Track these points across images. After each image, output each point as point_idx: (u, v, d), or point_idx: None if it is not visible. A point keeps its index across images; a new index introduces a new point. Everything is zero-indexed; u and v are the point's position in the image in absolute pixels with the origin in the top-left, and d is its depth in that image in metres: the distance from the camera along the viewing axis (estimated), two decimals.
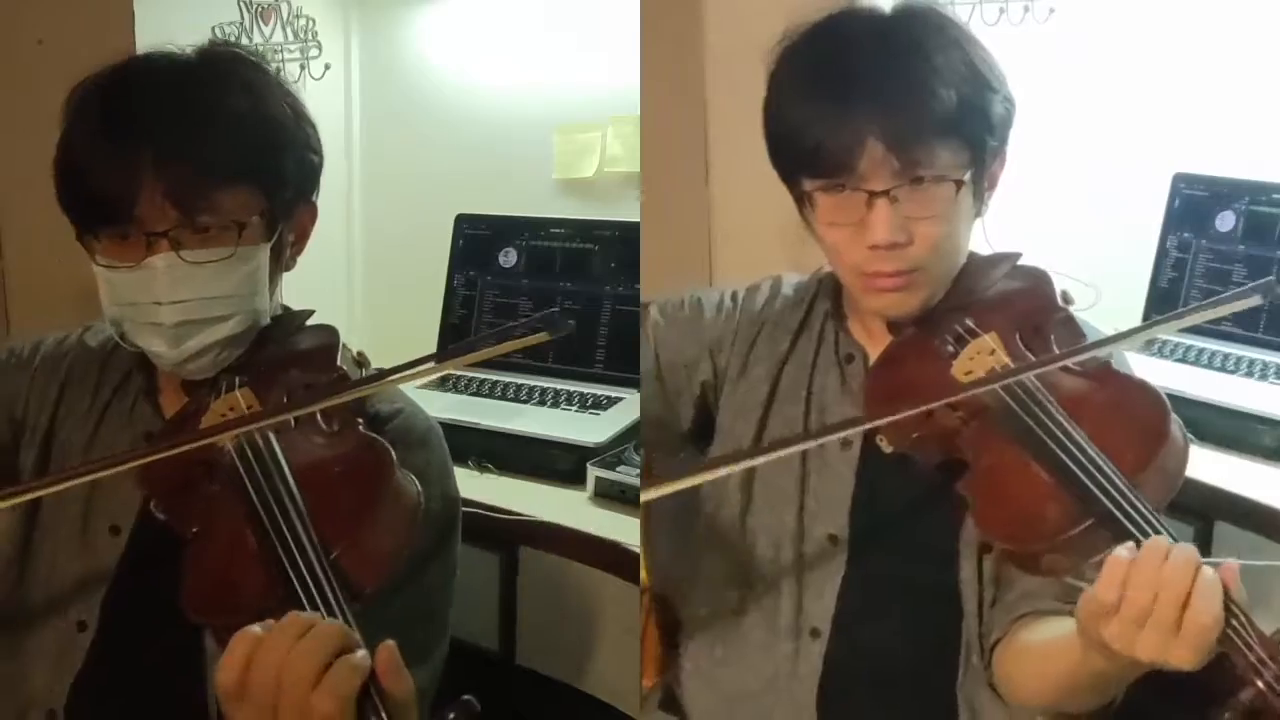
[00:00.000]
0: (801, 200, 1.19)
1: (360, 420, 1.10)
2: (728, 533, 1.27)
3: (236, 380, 1.15)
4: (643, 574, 1.43)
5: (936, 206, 1.12)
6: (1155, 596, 0.87)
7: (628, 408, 1.82)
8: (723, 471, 1.15)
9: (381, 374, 1.09)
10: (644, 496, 1.08)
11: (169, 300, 1.12)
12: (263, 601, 0.92)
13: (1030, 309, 1.17)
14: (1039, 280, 1.21)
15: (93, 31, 1.90)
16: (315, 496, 1.00)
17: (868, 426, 1.15)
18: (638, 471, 1.58)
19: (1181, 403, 1.66)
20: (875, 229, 1.11)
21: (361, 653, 0.84)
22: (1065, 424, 1.03)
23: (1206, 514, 1.54)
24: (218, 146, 1.11)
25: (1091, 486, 0.97)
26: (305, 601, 0.90)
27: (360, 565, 0.96)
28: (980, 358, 1.13)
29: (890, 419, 1.10)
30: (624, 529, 1.51)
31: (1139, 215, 2.00)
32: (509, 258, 2.06)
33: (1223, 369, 1.78)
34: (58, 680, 1.17)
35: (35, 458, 1.24)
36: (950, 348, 1.16)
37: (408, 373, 1.06)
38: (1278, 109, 1.90)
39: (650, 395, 1.35)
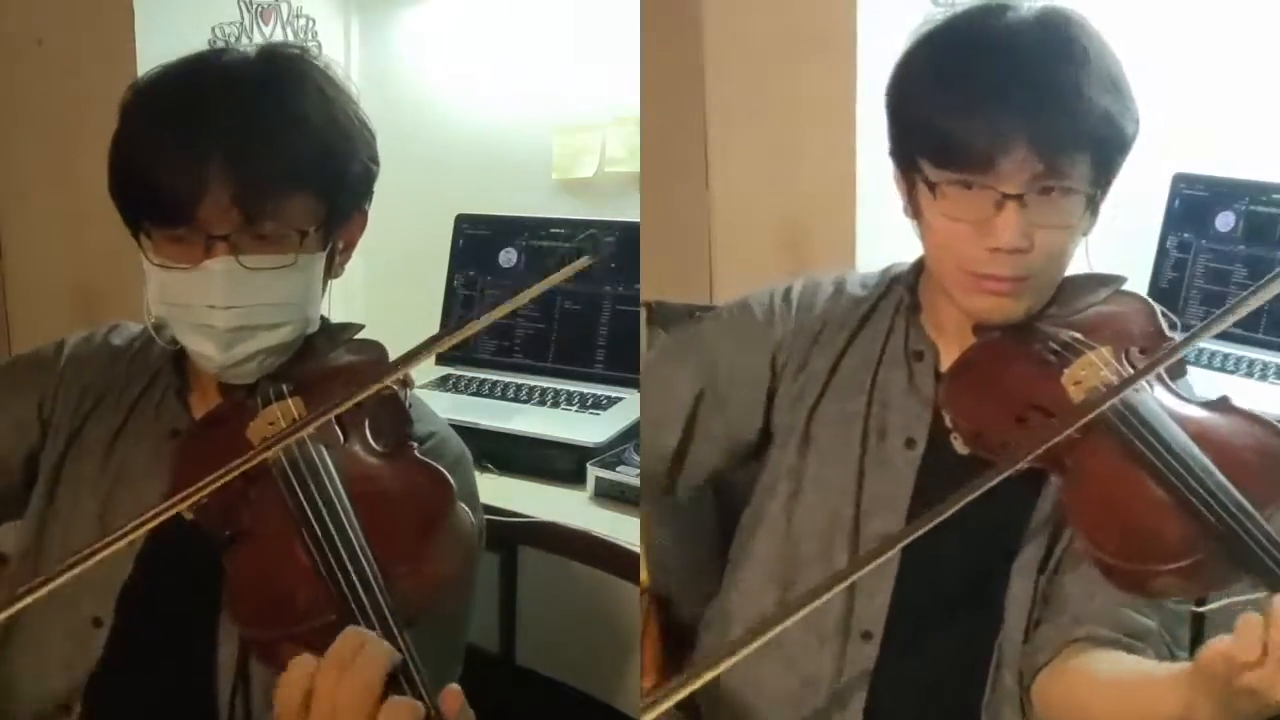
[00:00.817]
0: (916, 187, 1.15)
1: (415, 444, 1.07)
2: (773, 524, 1.24)
3: (285, 389, 1.12)
4: (643, 574, 1.43)
5: (1064, 217, 1.11)
6: None
7: (628, 408, 1.82)
8: (725, 666, 0.98)
9: (423, 345, 1.10)
10: (645, 718, 0.95)
11: (224, 305, 1.10)
12: (315, 617, 0.90)
13: (1139, 333, 1.16)
14: (1145, 306, 1.20)
15: (93, 31, 1.90)
16: (371, 516, 0.97)
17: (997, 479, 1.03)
18: (637, 471, 1.58)
19: None
20: (1002, 232, 1.09)
21: (413, 703, 0.82)
22: (1186, 442, 1.00)
23: None
24: (288, 153, 1.09)
25: (1217, 510, 0.94)
26: (360, 619, 0.88)
27: (416, 591, 0.94)
28: (1093, 369, 1.10)
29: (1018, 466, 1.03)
30: (624, 529, 1.51)
31: (1139, 215, 2.00)
32: (509, 258, 2.06)
33: (1223, 369, 1.78)
34: (73, 676, 1.16)
35: (57, 457, 1.22)
36: (1054, 357, 1.13)
37: (447, 339, 1.08)
38: (1278, 109, 1.90)
39: (709, 408, 1.28)
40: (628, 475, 1.60)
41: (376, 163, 1.21)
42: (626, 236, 1.97)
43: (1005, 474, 1.02)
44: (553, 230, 2.04)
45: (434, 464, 1.04)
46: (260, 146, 1.08)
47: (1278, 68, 1.90)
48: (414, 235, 2.26)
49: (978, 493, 1.01)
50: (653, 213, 1.92)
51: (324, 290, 1.21)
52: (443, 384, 1.97)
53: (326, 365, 1.17)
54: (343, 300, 2.45)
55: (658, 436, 1.30)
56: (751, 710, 1.23)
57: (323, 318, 1.25)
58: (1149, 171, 1.99)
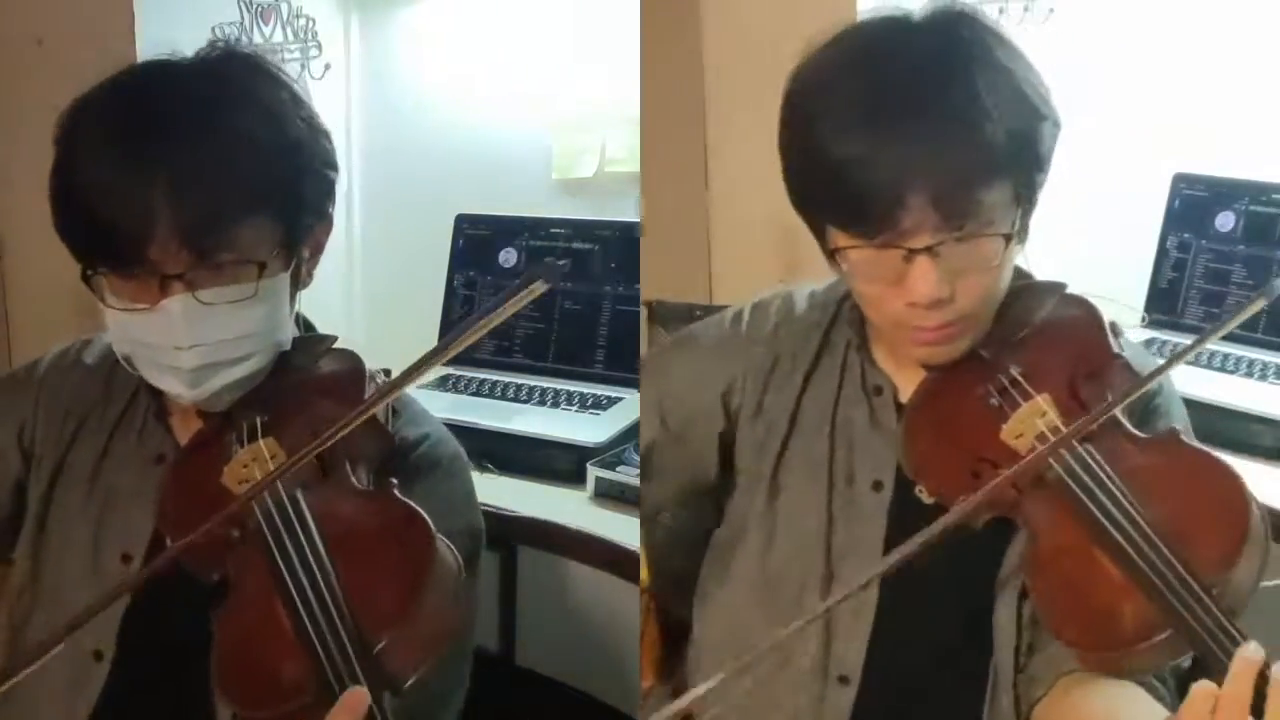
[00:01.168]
0: (828, 250, 1.08)
1: (394, 482, 1.02)
2: (749, 565, 1.19)
3: (258, 421, 1.08)
4: (643, 574, 1.43)
5: (982, 260, 1.01)
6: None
7: (628, 408, 1.82)
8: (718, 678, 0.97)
9: (391, 383, 1.01)
10: None
11: (188, 345, 1.05)
12: (299, 695, 0.89)
13: (1083, 355, 1.07)
14: (1089, 320, 1.10)
15: (93, 31, 1.90)
16: (351, 575, 0.93)
17: (927, 537, 0.97)
18: (637, 471, 1.58)
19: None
20: (915, 287, 1.00)
21: None
22: (1132, 513, 0.93)
23: None
24: (236, 180, 1.03)
25: (1170, 598, 0.88)
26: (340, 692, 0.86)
27: (404, 657, 0.91)
28: (1030, 421, 1.03)
29: (947, 522, 0.96)
30: (624, 529, 1.51)
31: (1139, 215, 2.00)
32: (509, 258, 2.06)
33: (1223, 369, 1.78)
34: (75, 711, 1.12)
35: (45, 484, 1.20)
36: (996, 401, 1.06)
37: (415, 373, 0.97)
38: (1278, 109, 1.90)
39: (664, 457, 1.25)
40: (628, 475, 1.60)
41: (334, 167, 1.15)
42: (626, 236, 1.97)
43: (946, 524, 0.97)
44: (553, 230, 2.04)
45: (414, 507, 0.98)
46: (207, 176, 1.02)
47: (1278, 68, 1.90)
48: (414, 235, 2.26)
49: (920, 543, 0.96)
50: (653, 213, 1.92)
51: (294, 304, 1.16)
52: (443, 384, 1.97)
53: (301, 386, 1.12)
54: (343, 300, 2.45)
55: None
56: None
57: (303, 319, 1.21)
58: (1149, 171, 2.00)
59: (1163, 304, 1.95)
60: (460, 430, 1.74)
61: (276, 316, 1.11)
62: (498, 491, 1.63)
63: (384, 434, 1.10)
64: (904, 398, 1.16)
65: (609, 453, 1.68)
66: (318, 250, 1.18)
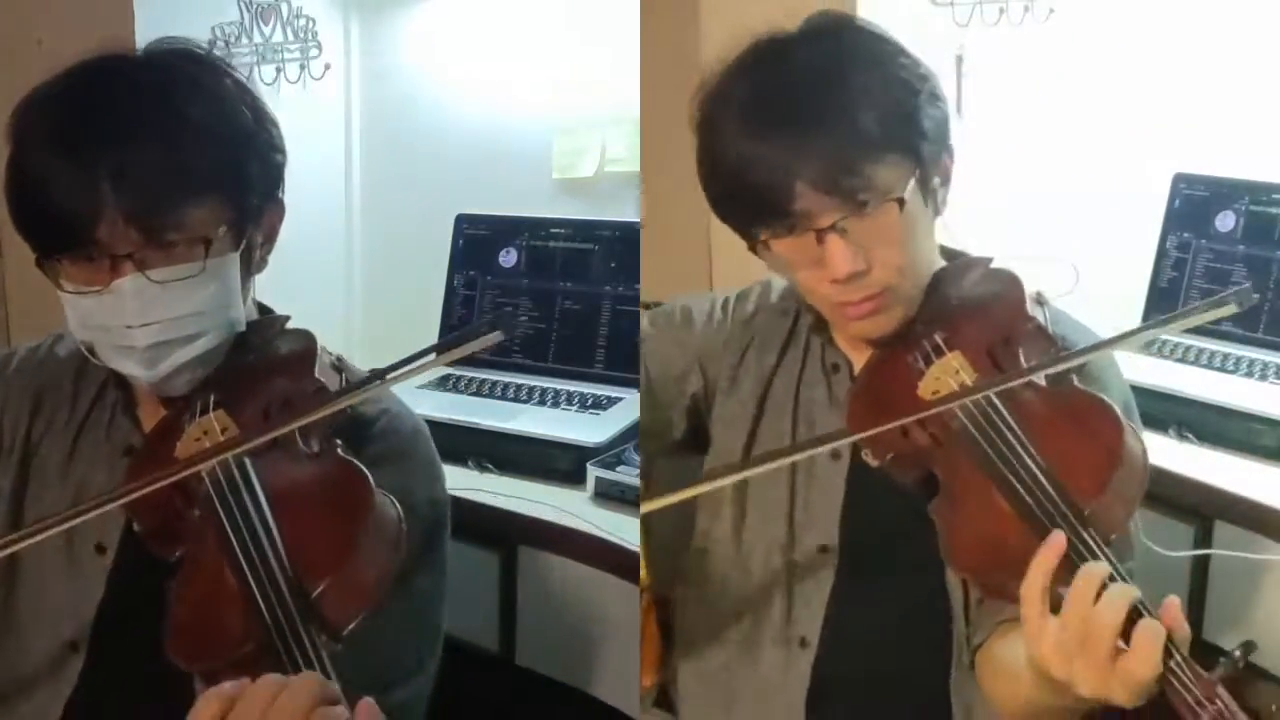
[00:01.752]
0: (754, 247, 1.16)
1: (339, 442, 1.06)
2: (722, 545, 1.27)
3: (211, 400, 1.10)
4: (643, 574, 1.43)
5: (887, 231, 1.10)
6: (1086, 629, 0.87)
7: (628, 408, 1.82)
8: (718, 484, 1.16)
9: (338, 393, 1.07)
10: (644, 508, 1.12)
11: (140, 323, 1.08)
12: (241, 646, 0.90)
13: (999, 320, 1.15)
14: (1008, 287, 1.17)
15: (93, 31, 1.90)
16: (293, 529, 0.97)
17: (842, 442, 1.15)
18: (638, 471, 1.58)
19: (1181, 403, 1.67)
20: (832, 264, 1.09)
21: (340, 708, 0.83)
22: (1019, 449, 1.01)
23: (1206, 514, 1.54)
24: (179, 161, 1.06)
25: (1043, 519, 0.96)
26: (280, 647, 0.89)
27: (341, 603, 0.93)
28: (945, 377, 1.11)
29: (856, 437, 1.10)
30: (624, 529, 1.51)
31: (1139, 215, 2.00)
32: (509, 258, 2.06)
33: (1223, 369, 1.78)
34: (52, 702, 1.14)
35: (14, 478, 1.21)
36: (920, 364, 1.14)
37: (358, 393, 1.05)
38: (1278, 109, 1.90)
39: (645, 406, 1.34)
40: (628, 475, 1.60)
41: (281, 152, 1.17)
42: (626, 236, 1.97)
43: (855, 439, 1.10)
44: (553, 230, 2.04)
45: (353, 463, 1.02)
46: (148, 160, 1.05)
47: (1278, 68, 1.90)
48: (414, 235, 2.26)
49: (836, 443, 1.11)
50: (653, 213, 1.92)
51: (246, 289, 1.18)
52: (443, 384, 1.97)
53: (255, 363, 1.15)
54: (343, 300, 2.45)
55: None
56: (714, 714, 1.27)
57: (261, 306, 1.23)
58: (1149, 171, 2.00)
59: (1163, 303, 1.95)
60: (460, 430, 1.75)
61: (226, 295, 1.13)
62: (498, 491, 1.64)
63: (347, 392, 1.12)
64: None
65: (609, 453, 1.68)
66: (272, 235, 1.20)
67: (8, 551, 1.00)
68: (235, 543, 0.95)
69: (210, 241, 1.09)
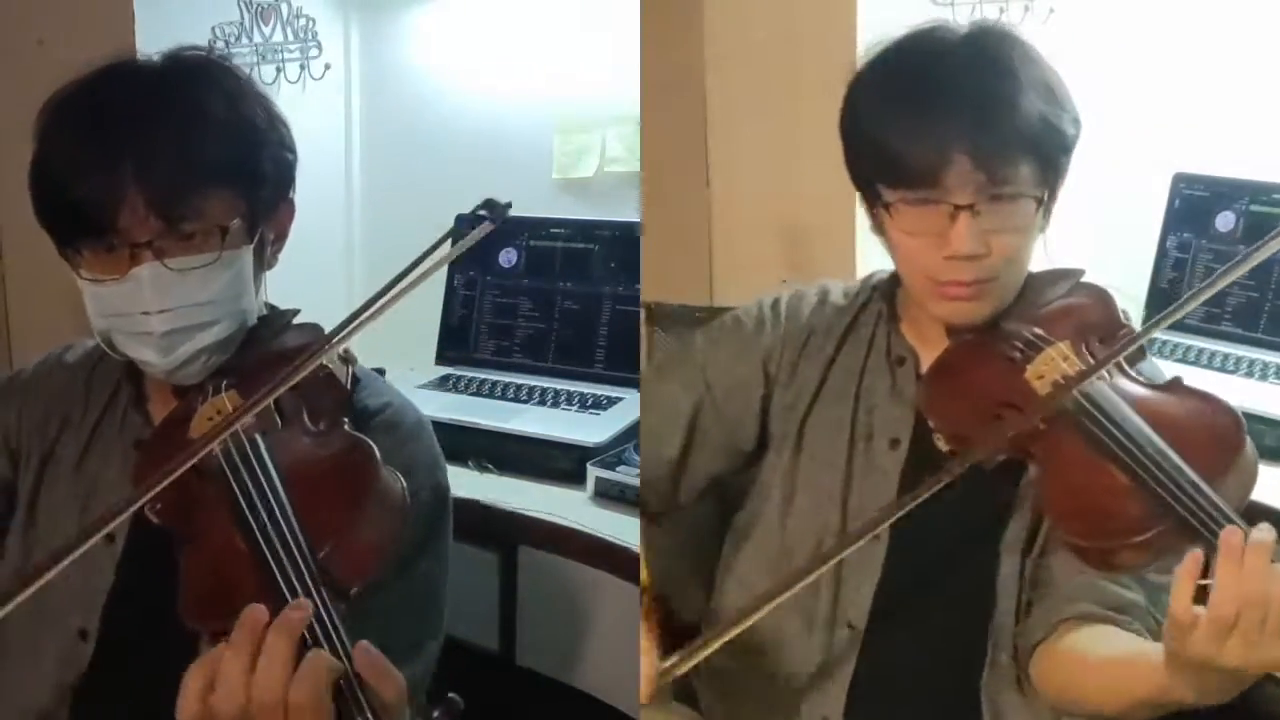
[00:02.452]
0: (875, 206, 1.21)
1: (346, 420, 1.10)
2: (768, 527, 1.28)
3: (223, 384, 1.14)
4: (643, 574, 1.43)
5: (1015, 220, 1.15)
6: (1266, 609, 0.89)
7: (628, 408, 1.82)
8: (735, 631, 1.14)
9: (337, 330, 1.10)
10: (663, 666, 1.13)
11: (157, 309, 1.12)
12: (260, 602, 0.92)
13: (1096, 322, 1.20)
14: (1103, 297, 1.23)
15: (93, 31, 1.90)
16: (302, 496, 1.00)
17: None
18: (637, 471, 1.58)
19: None
20: (957, 241, 1.13)
21: (325, 653, 0.85)
22: (1141, 426, 1.05)
23: None
24: (197, 152, 1.11)
25: (1171, 488, 0.99)
26: (290, 597, 0.90)
27: (347, 564, 0.96)
28: (1053, 364, 1.15)
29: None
30: (624, 529, 1.51)
31: (1139, 215, 2.00)
32: (509, 258, 2.06)
33: (1223, 369, 1.78)
34: (59, 688, 1.17)
35: (33, 483, 1.24)
36: (1018, 354, 1.17)
37: (359, 320, 1.08)
38: (1278, 109, 1.90)
39: (707, 421, 1.32)
40: (628, 475, 1.60)
41: (292, 151, 1.22)
42: (626, 236, 1.97)
43: (963, 468, 1.11)
44: (553, 230, 2.04)
45: (360, 438, 1.06)
46: (169, 150, 1.10)
47: (1278, 68, 1.90)
48: (414, 235, 2.25)
49: (939, 486, 1.11)
50: (653, 213, 1.92)
51: (258, 283, 1.22)
52: (443, 384, 1.97)
53: (265, 353, 1.19)
54: (343, 300, 2.45)
55: (659, 449, 1.33)
56: (749, 698, 1.28)
57: (270, 306, 1.26)
58: (1149, 171, 1.99)
59: (1163, 304, 1.94)
60: (460, 430, 1.75)
61: (240, 286, 1.17)
62: (498, 491, 1.64)
63: (338, 386, 1.15)
64: (924, 370, 1.26)
65: (609, 453, 1.68)
66: (282, 234, 1.25)
67: (38, 585, 0.97)
68: (246, 508, 0.98)
69: (225, 231, 1.13)
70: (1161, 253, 1.97)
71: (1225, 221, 1.91)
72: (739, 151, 2.03)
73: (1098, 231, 2.00)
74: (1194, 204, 1.95)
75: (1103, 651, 1.09)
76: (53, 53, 1.94)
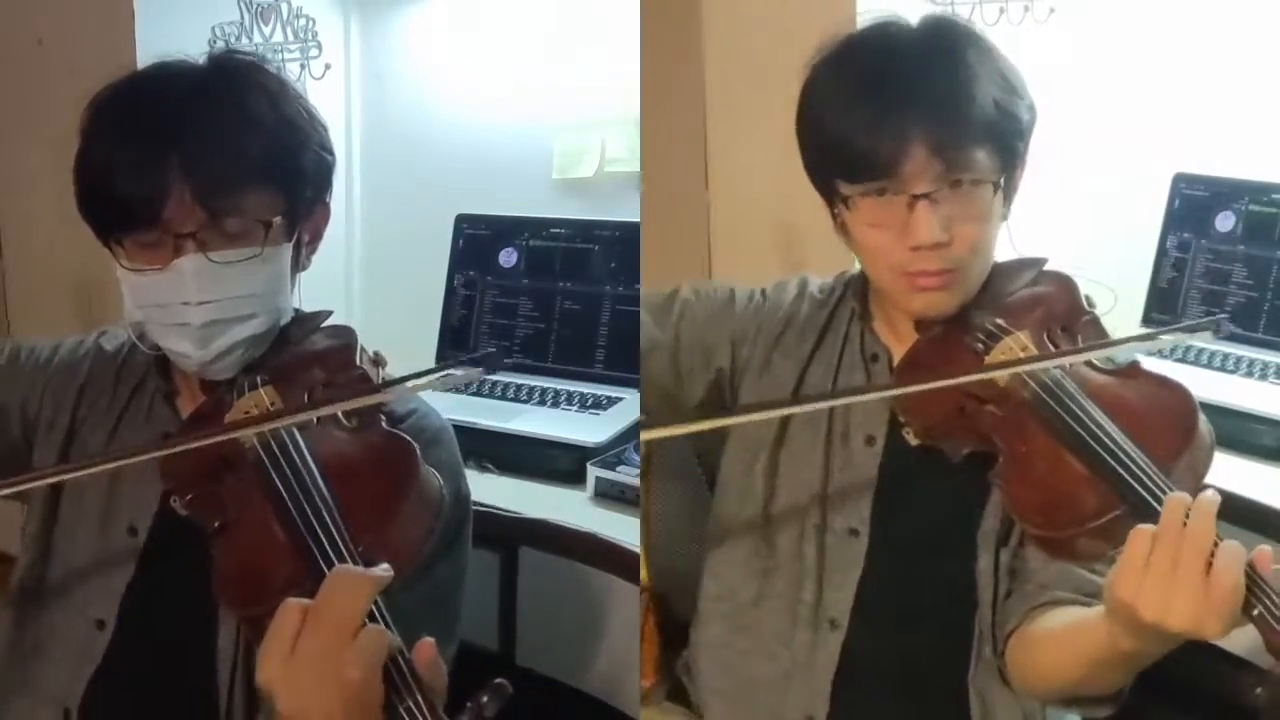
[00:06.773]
0: (834, 203, 1.21)
1: (382, 416, 1.12)
2: (750, 523, 1.29)
3: (259, 379, 1.16)
4: (643, 574, 1.43)
5: (975, 208, 1.16)
6: (1179, 551, 0.90)
7: (628, 408, 1.82)
8: (721, 422, 1.23)
9: (379, 385, 1.13)
10: (644, 436, 1.21)
11: (197, 301, 1.13)
12: (293, 590, 0.93)
13: (1059, 311, 1.21)
14: (1066, 285, 1.24)
15: (93, 31, 1.90)
16: (342, 488, 1.01)
17: (896, 393, 1.20)
18: (638, 471, 1.58)
19: None
20: (918, 230, 1.14)
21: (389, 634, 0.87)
22: (1096, 415, 1.06)
23: None
24: (242, 148, 1.13)
25: (1124, 475, 1.00)
26: None
27: (387, 556, 0.96)
28: (1011, 354, 1.16)
29: (918, 388, 1.15)
30: (624, 529, 1.51)
31: (1139, 215, 2.00)
32: (509, 258, 2.06)
33: (1223, 369, 1.78)
34: (75, 678, 1.18)
35: (55, 459, 1.25)
36: (981, 345, 1.19)
37: (398, 386, 1.10)
38: (1278, 109, 1.90)
39: (660, 364, 1.35)
40: (628, 475, 1.60)
41: (330, 152, 1.25)
42: (626, 236, 1.97)
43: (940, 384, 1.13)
44: (553, 230, 2.04)
45: (400, 433, 1.08)
46: (214, 146, 1.12)
47: (1278, 68, 1.90)
48: (414, 235, 2.26)
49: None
50: (653, 213, 1.92)
51: (293, 283, 1.24)
52: (443, 384, 1.97)
53: (299, 352, 1.20)
54: (343, 299, 2.45)
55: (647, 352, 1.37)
56: (736, 696, 1.29)
57: (297, 309, 1.27)
58: (1149, 171, 2.00)
59: (1163, 304, 1.95)
60: (460, 430, 1.74)
61: (278, 282, 1.19)
62: (498, 491, 1.64)
63: (372, 387, 1.16)
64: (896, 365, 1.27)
65: (609, 453, 1.68)
66: (316, 237, 1.27)
67: (50, 480, 1.11)
68: (288, 499, 0.99)
69: (269, 226, 1.16)
70: (1161, 252, 1.97)
71: (1225, 221, 1.92)
72: (739, 151, 2.03)
73: (1098, 231, 2.00)
74: (1194, 204, 1.95)
75: (1058, 622, 1.11)
76: (53, 53, 1.95)
